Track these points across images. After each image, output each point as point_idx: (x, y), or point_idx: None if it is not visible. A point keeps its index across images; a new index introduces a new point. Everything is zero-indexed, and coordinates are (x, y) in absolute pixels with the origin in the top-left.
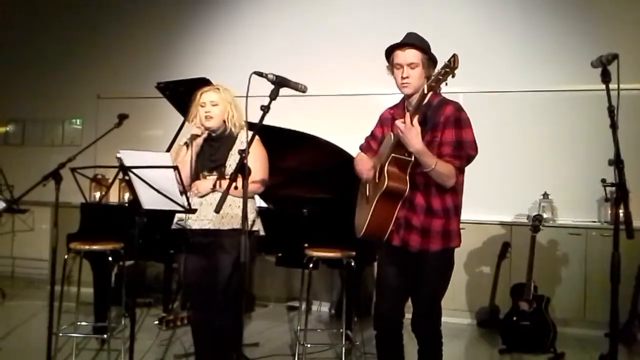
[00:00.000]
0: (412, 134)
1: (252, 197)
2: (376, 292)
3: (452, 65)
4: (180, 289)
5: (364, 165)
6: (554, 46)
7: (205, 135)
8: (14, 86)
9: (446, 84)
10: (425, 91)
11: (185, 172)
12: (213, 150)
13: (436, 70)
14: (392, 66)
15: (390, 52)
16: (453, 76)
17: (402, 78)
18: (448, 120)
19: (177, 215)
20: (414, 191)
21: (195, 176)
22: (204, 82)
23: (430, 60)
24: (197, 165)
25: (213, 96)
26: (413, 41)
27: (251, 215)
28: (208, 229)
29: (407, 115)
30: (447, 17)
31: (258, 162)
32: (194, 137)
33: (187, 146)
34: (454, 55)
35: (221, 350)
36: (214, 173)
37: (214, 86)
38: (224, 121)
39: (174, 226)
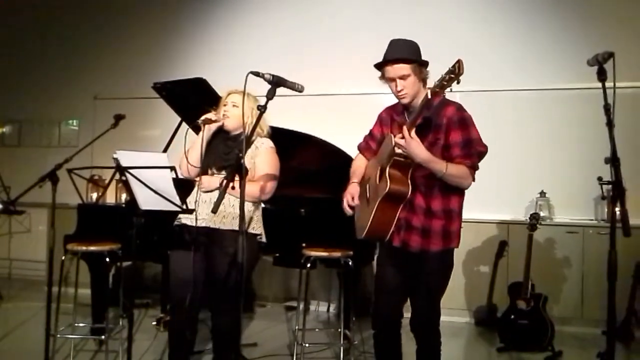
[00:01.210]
0: (413, 146)
1: (257, 202)
2: (375, 291)
3: (457, 72)
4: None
5: (348, 197)
6: (550, 45)
7: (219, 124)
8: (10, 87)
9: (451, 89)
10: (429, 96)
11: (195, 156)
12: (227, 149)
13: (440, 76)
14: (384, 78)
15: (380, 67)
16: (458, 82)
17: (398, 91)
18: (451, 122)
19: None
20: (415, 192)
21: (204, 171)
22: (200, 83)
23: (420, 65)
24: (208, 160)
25: (236, 98)
26: (398, 54)
27: (254, 218)
28: (210, 227)
29: (404, 129)
30: (445, 16)
31: (269, 168)
32: (207, 120)
33: (199, 128)
34: (459, 61)
35: (219, 350)
36: (223, 172)
37: (241, 90)
38: (243, 126)
39: (177, 222)
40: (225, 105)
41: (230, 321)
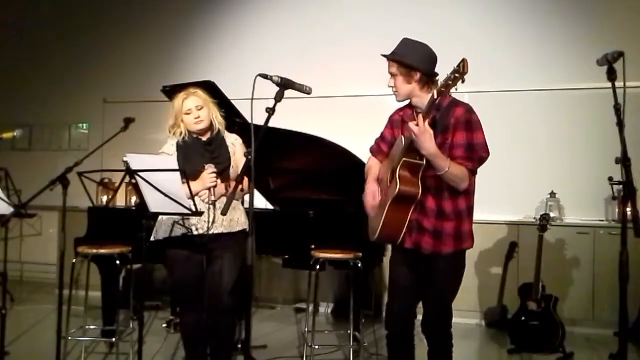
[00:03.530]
0: (425, 137)
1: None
2: (388, 292)
3: (461, 70)
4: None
5: (369, 197)
6: (559, 44)
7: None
8: (20, 91)
9: (456, 88)
10: (435, 96)
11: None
12: (212, 155)
13: (446, 75)
14: None
15: None
16: (463, 81)
17: (390, 87)
18: (458, 122)
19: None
20: (425, 194)
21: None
22: (209, 85)
23: (406, 67)
24: (195, 170)
25: (196, 101)
26: (393, 52)
27: (244, 216)
28: (222, 232)
29: (420, 117)
30: (452, 17)
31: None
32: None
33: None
34: (463, 60)
35: (224, 351)
36: (220, 177)
37: (189, 91)
38: (212, 120)
39: (182, 231)
40: (188, 113)
41: (225, 324)
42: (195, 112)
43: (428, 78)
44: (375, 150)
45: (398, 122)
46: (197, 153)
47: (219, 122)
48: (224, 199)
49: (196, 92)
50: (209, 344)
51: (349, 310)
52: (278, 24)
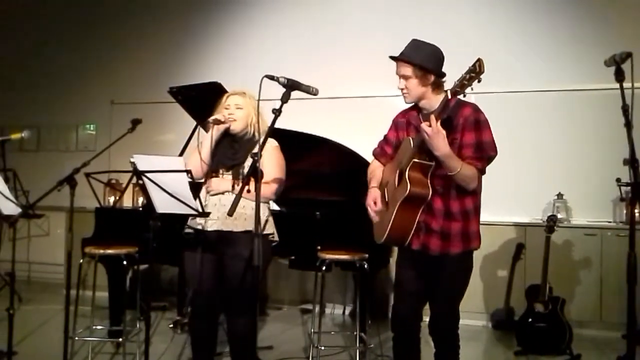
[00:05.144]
0: (439, 137)
1: (267, 202)
2: (394, 294)
3: (477, 70)
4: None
5: (372, 204)
6: (566, 45)
7: (227, 125)
8: (28, 93)
9: (472, 88)
10: (449, 96)
11: (205, 153)
12: (234, 150)
13: (460, 75)
14: None
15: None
16: (479, 81)
17: (399, 88)
18: (467, 122)
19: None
20: (433, 195)
21: (212, 172)
22: (215, 87)
23: (422, 70)
24: (216, 162)
25: (238, 100)
26: (405, 53)
27: (263, 218)
28: (222, 230)
29: (432, 118)
30: (457, 18)
31: (276, 167)
32: (216, 121)
33: (209, 127)
34: (479, 60)
35: (236, 354)
36: (230, 172)
37: (240, 90)
38: (248, 126)
39: (187, 229)
40: (227, 108)
41: (246, 324)
42: (232, 109)
43: (439, 80)
44: (378, 154)
45: (403, 124)
46: (224, 145)
47: (255, 129)
48: (224, 195)
49: (244, 94)
50: (229, 345)
51: (355, 312)
52: (284, 25)
